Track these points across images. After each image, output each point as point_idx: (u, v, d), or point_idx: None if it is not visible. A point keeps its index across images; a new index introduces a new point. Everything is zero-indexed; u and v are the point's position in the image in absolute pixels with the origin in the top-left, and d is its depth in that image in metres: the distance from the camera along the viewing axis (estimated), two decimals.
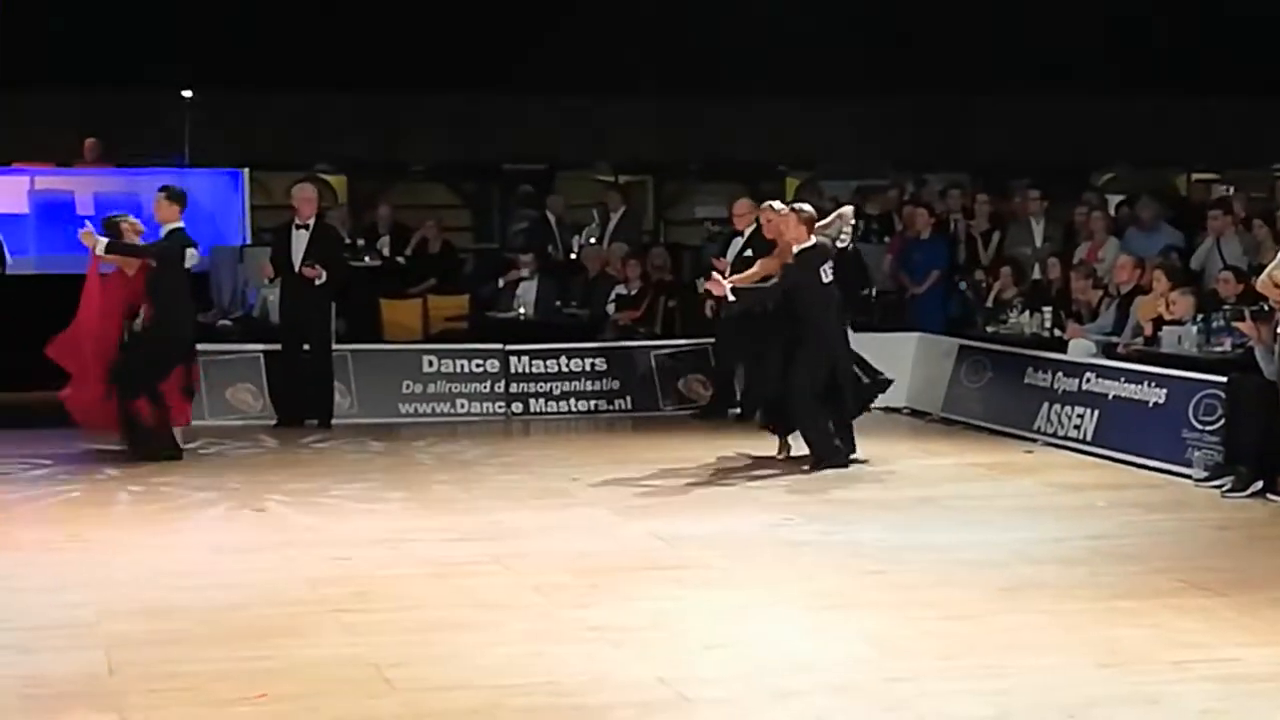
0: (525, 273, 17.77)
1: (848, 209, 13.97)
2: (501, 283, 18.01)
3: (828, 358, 12.95)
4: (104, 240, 13.51)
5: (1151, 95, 25.32)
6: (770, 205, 13.97)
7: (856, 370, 13.44)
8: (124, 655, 7.48)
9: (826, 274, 12.98)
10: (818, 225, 13.21)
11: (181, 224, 13.78)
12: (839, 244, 13.42)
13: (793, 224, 13.05)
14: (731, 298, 13.13)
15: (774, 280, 13.10)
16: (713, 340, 16.24)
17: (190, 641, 7.76)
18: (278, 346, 15.38)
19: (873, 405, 14.02)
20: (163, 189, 13.95)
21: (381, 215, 19.55)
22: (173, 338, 13.56)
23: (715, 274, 13.30)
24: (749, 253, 14.38)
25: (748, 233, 15.21)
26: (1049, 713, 6.66)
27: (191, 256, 13.65)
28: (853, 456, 13.13)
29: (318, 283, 14.89)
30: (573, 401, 16.32)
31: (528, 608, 8.46)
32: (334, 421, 15.21)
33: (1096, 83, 24.91)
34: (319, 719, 6.60)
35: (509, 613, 8.34)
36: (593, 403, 16.36)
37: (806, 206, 13.42)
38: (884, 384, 14.03)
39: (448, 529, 10.60)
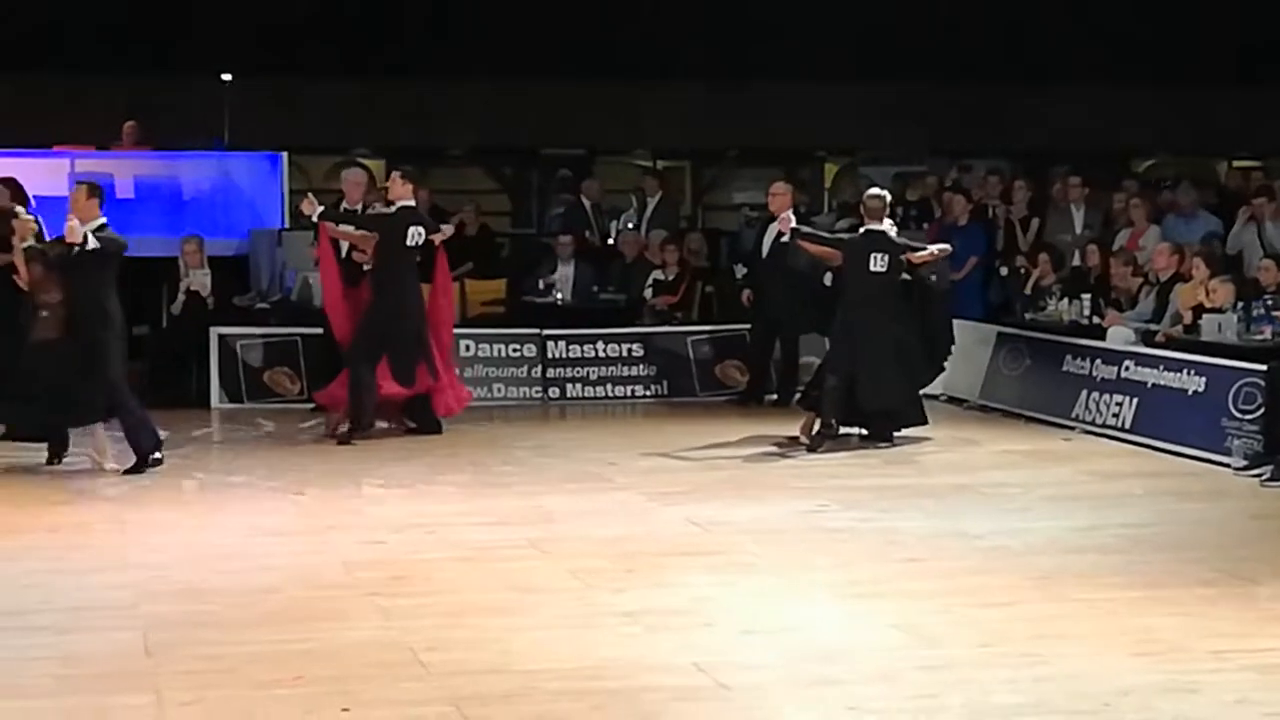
0: (562, 257, 17.73)
1: (944, 246, 14.04)
2: (542, 284, 17.74)
3: (847, 350, 13.07)
4: (320, 208, 13.75)
5: (1193, 84, 25.15)
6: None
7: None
8: (161, 636, 7.51)
9: (876, 262, 13.08)
10: (921, 256, 13.45)
11: (411, 202, 13.99)
12: (930, 280, 13.76)
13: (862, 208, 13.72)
14: (785, 238, 14.04)
15: (837, 239, 13.77)
16: (749, 326, 16.22)
17: (227, 624, 7.80)
18: (317, 330, 15.38)
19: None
20: (398, 170, 14.09)
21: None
22: (390, 317, 13.61)
23: (785, 214, 14.04)
24: (785, 238, 14.35)
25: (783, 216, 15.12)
26: (1084, 701, 6.64)
27: (414, 235, 13.67)
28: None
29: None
30: (609, 387, 16.33)
31: (563, 592, 8.48)
32: None
33: (1138, 71, 24.75)
34: (354, 702, 6.61)
35: (545, 597, 8.36)
36: (629, 388, 16.36)
37: (876, 192, 13.72)
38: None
39: (484, 514, 10.62)
